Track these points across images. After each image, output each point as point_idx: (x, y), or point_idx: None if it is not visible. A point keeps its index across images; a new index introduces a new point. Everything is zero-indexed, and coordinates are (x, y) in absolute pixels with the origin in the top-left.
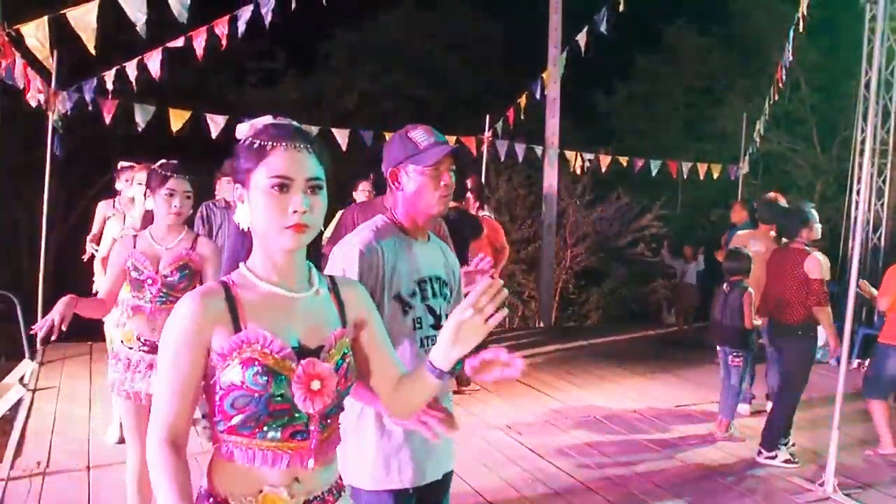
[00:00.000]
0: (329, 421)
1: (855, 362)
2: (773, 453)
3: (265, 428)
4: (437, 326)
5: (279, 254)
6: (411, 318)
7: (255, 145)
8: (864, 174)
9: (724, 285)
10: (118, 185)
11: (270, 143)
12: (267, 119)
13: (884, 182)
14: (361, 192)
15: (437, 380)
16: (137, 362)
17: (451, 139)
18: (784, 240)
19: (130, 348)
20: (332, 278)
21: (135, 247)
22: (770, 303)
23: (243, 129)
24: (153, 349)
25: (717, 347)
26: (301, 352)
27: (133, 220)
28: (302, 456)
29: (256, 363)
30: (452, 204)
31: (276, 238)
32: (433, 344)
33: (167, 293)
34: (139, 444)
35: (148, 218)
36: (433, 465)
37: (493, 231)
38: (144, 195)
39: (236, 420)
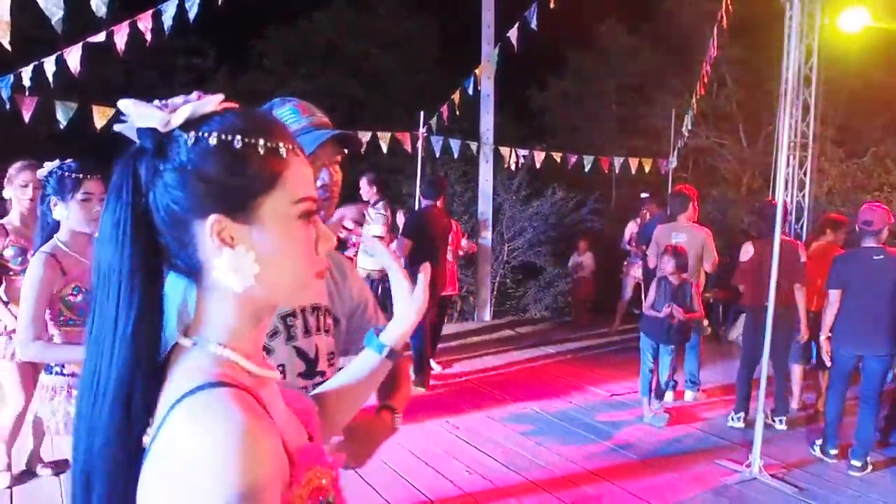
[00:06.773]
0: None
1: None
2: None
3: None
4: (309, 374)
5: (271, 316)
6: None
7: (264, 151)
8: (782, 166)
9: (672, 279)
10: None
11: (289, 147)
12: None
13: (805, 174)
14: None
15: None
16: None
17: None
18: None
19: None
20: None
21: (63, 266)
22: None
23: (233, 123)
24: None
25: (650, 341)
26: None
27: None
28: None
29: (325, 494)
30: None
31: (297, 293)
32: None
33: None
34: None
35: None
36: None
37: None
38: (35, 199)
39: None
